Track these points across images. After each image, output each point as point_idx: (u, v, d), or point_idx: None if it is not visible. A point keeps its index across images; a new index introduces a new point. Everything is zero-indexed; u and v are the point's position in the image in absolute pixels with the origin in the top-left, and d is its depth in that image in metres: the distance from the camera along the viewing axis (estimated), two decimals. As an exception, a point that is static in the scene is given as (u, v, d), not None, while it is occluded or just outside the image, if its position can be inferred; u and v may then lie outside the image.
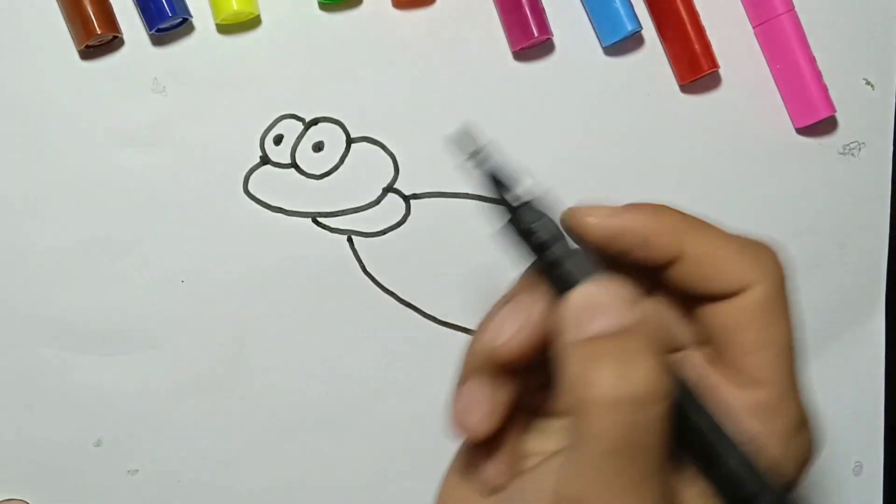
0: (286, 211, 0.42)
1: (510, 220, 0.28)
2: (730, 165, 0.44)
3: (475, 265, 0.43)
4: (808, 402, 0.31)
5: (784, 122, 0.45)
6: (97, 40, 0.40)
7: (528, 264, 0.29)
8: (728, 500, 0.28)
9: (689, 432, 0.28)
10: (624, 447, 0.26)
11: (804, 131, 0.45)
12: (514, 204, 0.28)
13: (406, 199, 0.42)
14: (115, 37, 0.40)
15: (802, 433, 0.30)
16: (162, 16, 0.39)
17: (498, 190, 0.28)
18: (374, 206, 0.42)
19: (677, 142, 0.44)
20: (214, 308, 0.41)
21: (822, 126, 0.45)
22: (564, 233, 0.28)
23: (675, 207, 0.30)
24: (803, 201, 0.45)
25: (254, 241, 0.41)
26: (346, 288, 0.42)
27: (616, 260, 0.29)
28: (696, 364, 0.30)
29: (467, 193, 0.42)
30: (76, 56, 0.40)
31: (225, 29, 0.41)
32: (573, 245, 0.28)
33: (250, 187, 0.41)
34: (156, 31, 0.40)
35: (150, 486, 0.41)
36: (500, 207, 0.28)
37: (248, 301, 0.41)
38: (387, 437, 0.42)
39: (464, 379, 0.30)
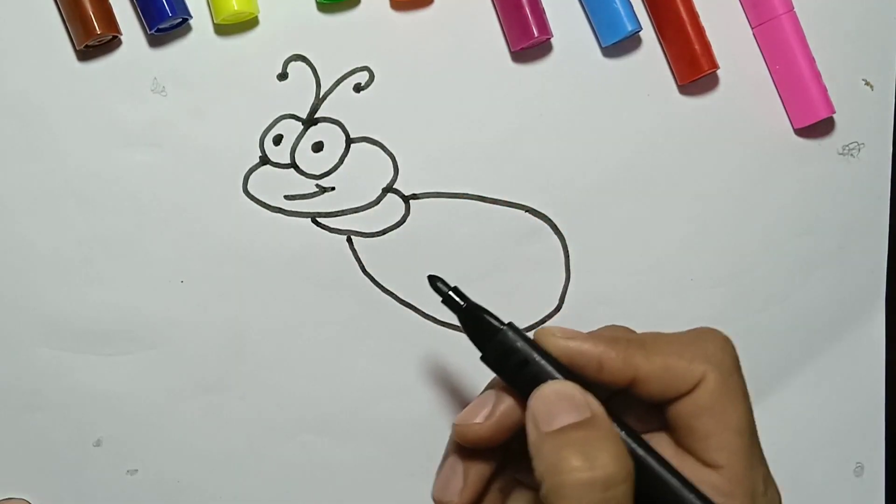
0: (285, 211, 0.42)
1: (487, 335, 0.33)
2: (729, 166, 0.44)
3: (474, 265, 0.43)
4: (766, 471, 0.33)
5: (783, 123, 0.45)
6: (97, 40, 0.40)
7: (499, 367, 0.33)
8: None
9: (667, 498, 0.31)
10: None
11: (803, 132, 0.45)
12: (499, 324, 0.33)
13: (405, 199, 0.42)
14: (115, 37, 0.40)
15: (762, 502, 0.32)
16: (162, 16, 0.39)
17: (477, 317, 0.33)
18: (373, 206, 0.42)
19: (677, 142, 0.44)
20: (214, 308, 0.41)
21: (822, 126, 0.45)
22: (530, 346, 0.32)
23: (629, 329, 0.34)
24: (803, 202, 0.45)
25: (253, 241, 0.41)
26: (346, 288, 0.42)
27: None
28: (665, 446, 0.33)
29: (466, 194, 0.43)
30: (75, 56, 0.40)
31: (224, 29, 0.41)
32: (537, 354, 0.32)
33: (250, 187, 0.41)
34: (155, 32, 0.40)
35: (149, 486, 0.41)
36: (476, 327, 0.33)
37: (247, 301, 0.41)
38: (386, 437, 0.42)
39: (444, 458, 0.34)
